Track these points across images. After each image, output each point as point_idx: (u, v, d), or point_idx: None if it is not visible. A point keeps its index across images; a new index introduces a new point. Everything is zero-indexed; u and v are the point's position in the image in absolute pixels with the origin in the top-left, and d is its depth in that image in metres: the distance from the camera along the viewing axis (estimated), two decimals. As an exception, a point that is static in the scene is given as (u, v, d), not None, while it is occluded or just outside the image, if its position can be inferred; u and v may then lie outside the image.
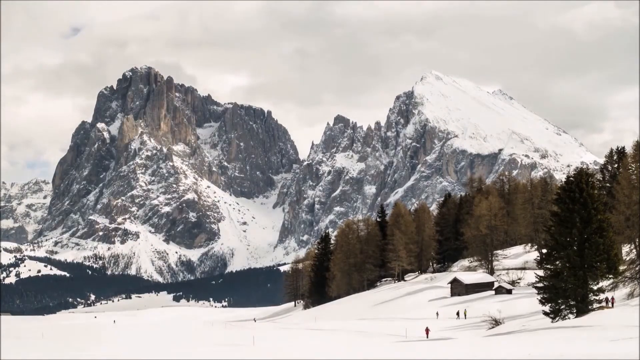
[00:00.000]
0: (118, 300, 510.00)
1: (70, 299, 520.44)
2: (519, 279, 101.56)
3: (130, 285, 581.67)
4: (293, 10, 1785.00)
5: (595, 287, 52.35)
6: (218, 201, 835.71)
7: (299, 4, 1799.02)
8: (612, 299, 57.68)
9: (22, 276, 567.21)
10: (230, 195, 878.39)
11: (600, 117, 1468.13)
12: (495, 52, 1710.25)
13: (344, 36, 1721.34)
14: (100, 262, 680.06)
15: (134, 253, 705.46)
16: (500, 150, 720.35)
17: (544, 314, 54.22)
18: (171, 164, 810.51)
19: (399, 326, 72.34)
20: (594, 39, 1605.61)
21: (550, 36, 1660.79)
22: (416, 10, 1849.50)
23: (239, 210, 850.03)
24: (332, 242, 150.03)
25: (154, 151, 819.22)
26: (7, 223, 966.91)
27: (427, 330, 58.75)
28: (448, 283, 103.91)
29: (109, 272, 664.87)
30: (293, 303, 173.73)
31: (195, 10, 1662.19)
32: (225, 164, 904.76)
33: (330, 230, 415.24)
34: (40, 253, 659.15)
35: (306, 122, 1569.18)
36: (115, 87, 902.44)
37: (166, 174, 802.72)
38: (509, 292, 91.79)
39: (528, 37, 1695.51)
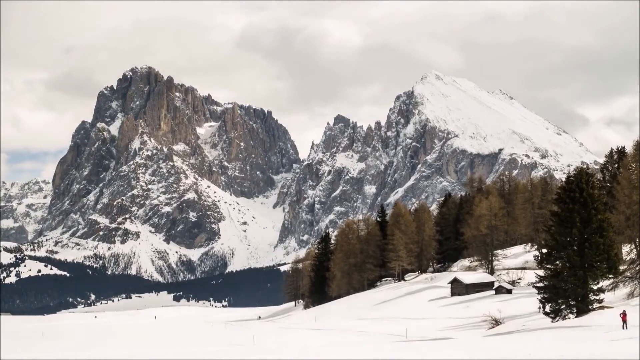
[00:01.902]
0: (118, 300, 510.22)
1: (70, 299, 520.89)
2: (519, 278, 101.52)
3: (130, 285, 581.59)
4: (265, 38, 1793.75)
5: (595, 287, 52.35)
6: (218, 201, 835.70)
7: (271, 31, 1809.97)
8: None
9: (23, 276, 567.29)
10: (231, 195, 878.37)
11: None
12: (495, 52, 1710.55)
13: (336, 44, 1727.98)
14: (101, 262, 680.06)
15: (134, 253, 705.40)
16: (501, 150, 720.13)
17: (544, 313, 54.21)
18: (171, 163, 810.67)
19: (399, 326, 72.33)
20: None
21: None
22: (416, 12, 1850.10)
23: (239, 210, 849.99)
24: (332, 242, 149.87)
25: (154, 151, 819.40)
26: (7, 223, 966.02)
27: (623, 315, 52.36)
28: (448, 283, 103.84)
29: (109, 272, 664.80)
30: (293, 303, 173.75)
31: (180, 41, 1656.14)
32: (226, 163, 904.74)
33: (330, 230, 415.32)
34: (41, 253, 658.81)
35: (305, 125, 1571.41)
36: (115, 87, 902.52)
37: (166, 174, 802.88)
38: (509, 292, 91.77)
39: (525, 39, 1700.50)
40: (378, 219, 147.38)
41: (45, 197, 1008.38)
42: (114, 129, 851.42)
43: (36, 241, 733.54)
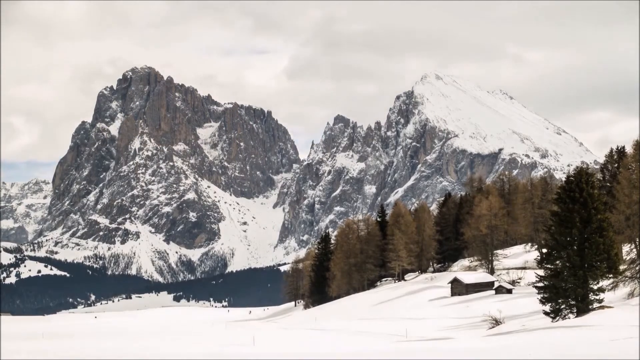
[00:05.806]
0: (118, 301, 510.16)
1: (70, 299, 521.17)
2: (519, 278, 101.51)
3: (130, 285, 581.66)
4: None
5: (595, 287, 52.29)
6: (218, 201, 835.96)
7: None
8: None
9: (23, 276, 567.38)
10: (231, 195, 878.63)
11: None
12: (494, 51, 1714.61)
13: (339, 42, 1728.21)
14: (101, 262, 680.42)
15: (134, 253, 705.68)
16: (501, 149, 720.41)
17: (544, 313, 54.18)
18: (171, 164, 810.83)
19: (399, 326, 72.28)
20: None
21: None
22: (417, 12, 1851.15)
23: (239, 210, 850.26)
24: (332, 242, 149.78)
25: (154, 151, 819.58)
26: (7, 223, 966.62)
27: None
28: (448, 283, 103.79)
29: (109, 272, 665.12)
30: (293, 303, 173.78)
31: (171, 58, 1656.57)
32: (226, 164, 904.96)
33: (330, 230, 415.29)
34: (41, 253, 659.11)
35: (305, 126, 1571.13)
36: (115, 87, 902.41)
37: (166, 174, 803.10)
38: (509, 291, 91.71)
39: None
40: (378, 219, 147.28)
41: (45, 197, 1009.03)
42: (114, 129, 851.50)
43: (36, 241, 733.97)
